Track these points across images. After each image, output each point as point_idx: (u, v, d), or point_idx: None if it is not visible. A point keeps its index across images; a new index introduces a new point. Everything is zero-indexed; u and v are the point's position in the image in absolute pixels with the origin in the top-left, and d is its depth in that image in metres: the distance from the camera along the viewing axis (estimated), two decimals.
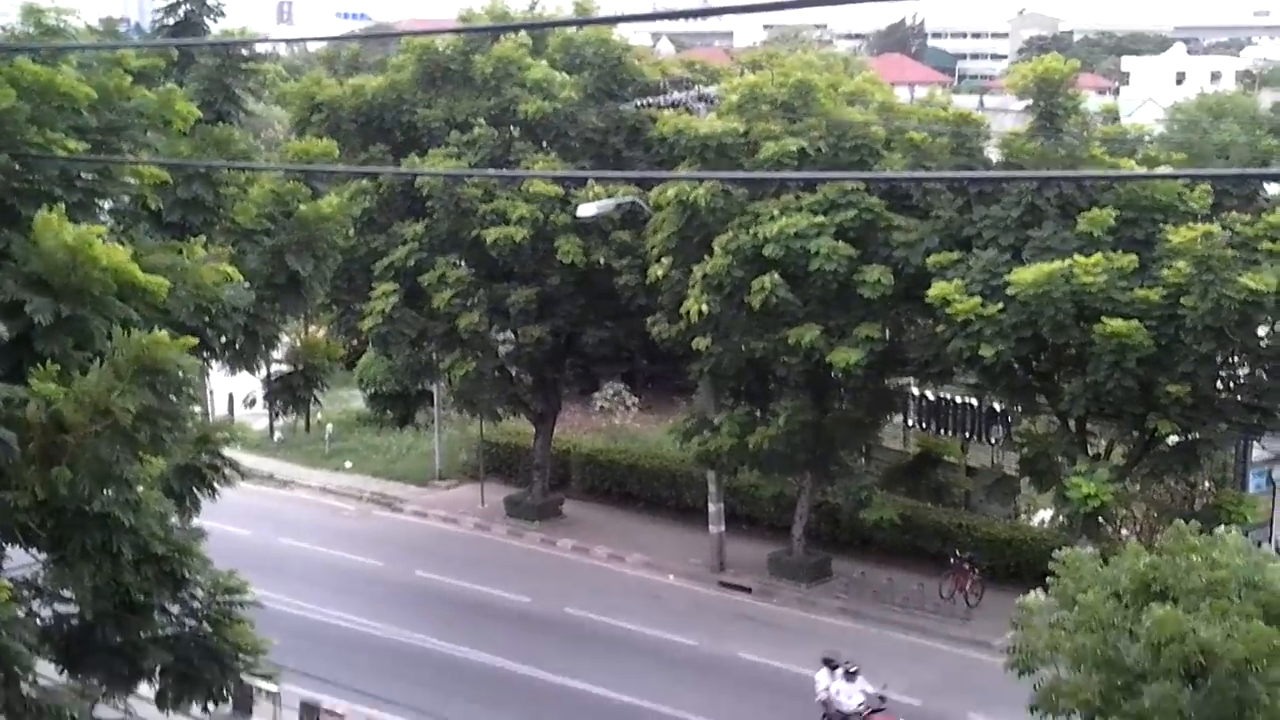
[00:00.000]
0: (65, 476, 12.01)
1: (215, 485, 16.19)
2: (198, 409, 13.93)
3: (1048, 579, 19.53)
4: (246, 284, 15.07)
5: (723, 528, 39.38)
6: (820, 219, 33.56)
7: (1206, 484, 35.90)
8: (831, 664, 29.65)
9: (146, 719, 17.99)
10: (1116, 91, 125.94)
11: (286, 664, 19.53)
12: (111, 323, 12.35)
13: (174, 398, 12.04)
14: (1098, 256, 30.30)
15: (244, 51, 19.61)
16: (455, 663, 33.85)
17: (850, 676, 29.49)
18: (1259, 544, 22.07)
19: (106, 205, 15.61)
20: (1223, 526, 20.66)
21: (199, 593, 16.25)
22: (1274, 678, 16.78)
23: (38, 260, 12.39)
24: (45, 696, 16.65)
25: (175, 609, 16.34)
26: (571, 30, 40.91)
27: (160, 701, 16.89)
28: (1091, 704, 18.14)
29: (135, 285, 12.45)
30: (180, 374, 11.94)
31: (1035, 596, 19.45)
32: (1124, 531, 35.27)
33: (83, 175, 14.83)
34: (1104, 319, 29.93)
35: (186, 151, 16.02)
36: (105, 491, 12.74)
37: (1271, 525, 34.93)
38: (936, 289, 31.68)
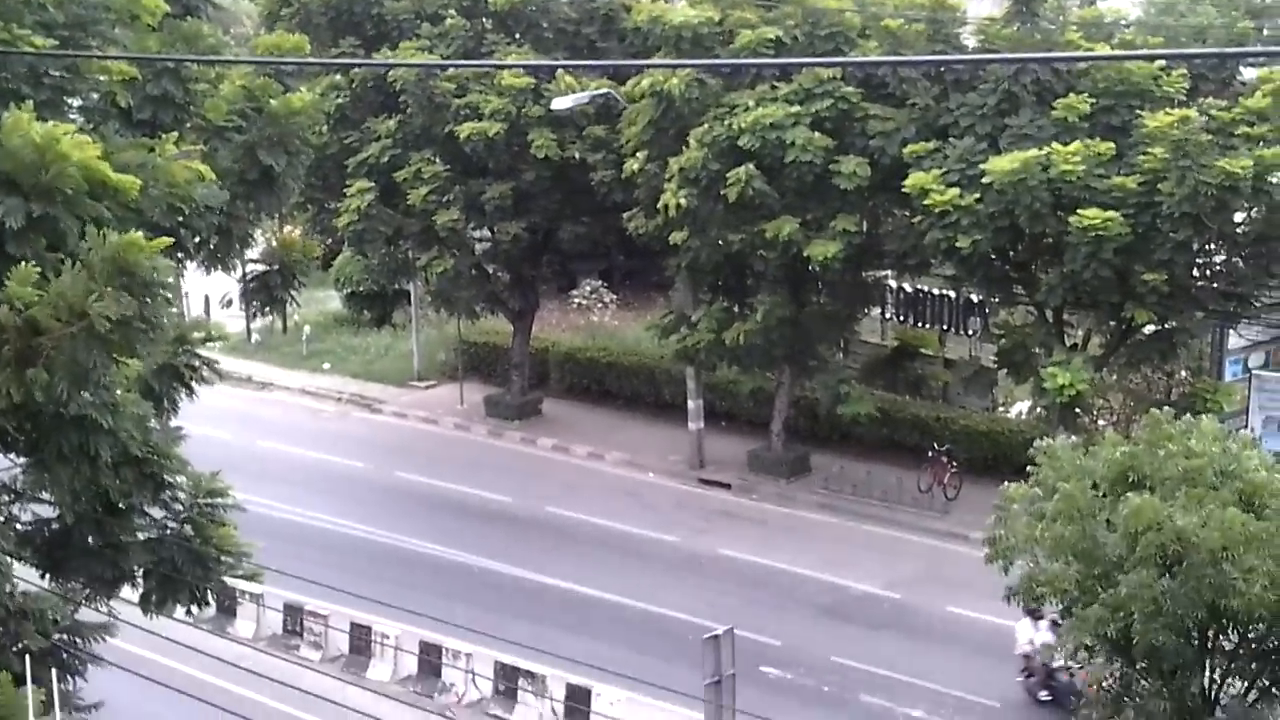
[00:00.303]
0: (42, 380, 11.91)
1: (193, 386, 16.09)
2: (174, 310, 13.80)
3: (1027, 469, 19.63)
4: (219, 182, 14.88)
5: (701, 424, 39.47)
6: (796, 109, 33.39)
7: (1183, 373, 36.03)
8: (1036, 614, 26.07)
9: (131, 621, 18.04)
10: None
11: (269, 566, 19.57)
12: (84, 222, 12.20)
13: (149, 300, 11.91)
14: (1076, 144, 30.19)
15: None
16: (437, 562, 34.02)
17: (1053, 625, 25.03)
18: (1235, 432, 22.17)
19: (75, 103, 15.38)
20: (1199, 415, 20.80)
21: (181, 495, 16.22)
22: (1249, 564, 16.93)
23: (6, 160, 12.20)
24: (28, 600, 16.70)
25: (157, 512, 16.32)
26: None
27: (144, 604, 16.92)
28: (1069, 593, 18.31)
29: (106, 184, 12.29)
30: (156, 276, 11.81)
31: (1017, 487, 19.55)
32: (1101, 422, 35.42)
33: (50, 72, 14.58)
34: (1080, 208, 29.88)
35: (155, 47, 15.74)
36: (82, 394, 12.65)
37: (1247, 413, 35.09)
38: (913, 179, 31.57)
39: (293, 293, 18.80)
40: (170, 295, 12.12)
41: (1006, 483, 20.65)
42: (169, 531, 16.25)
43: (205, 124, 16.51)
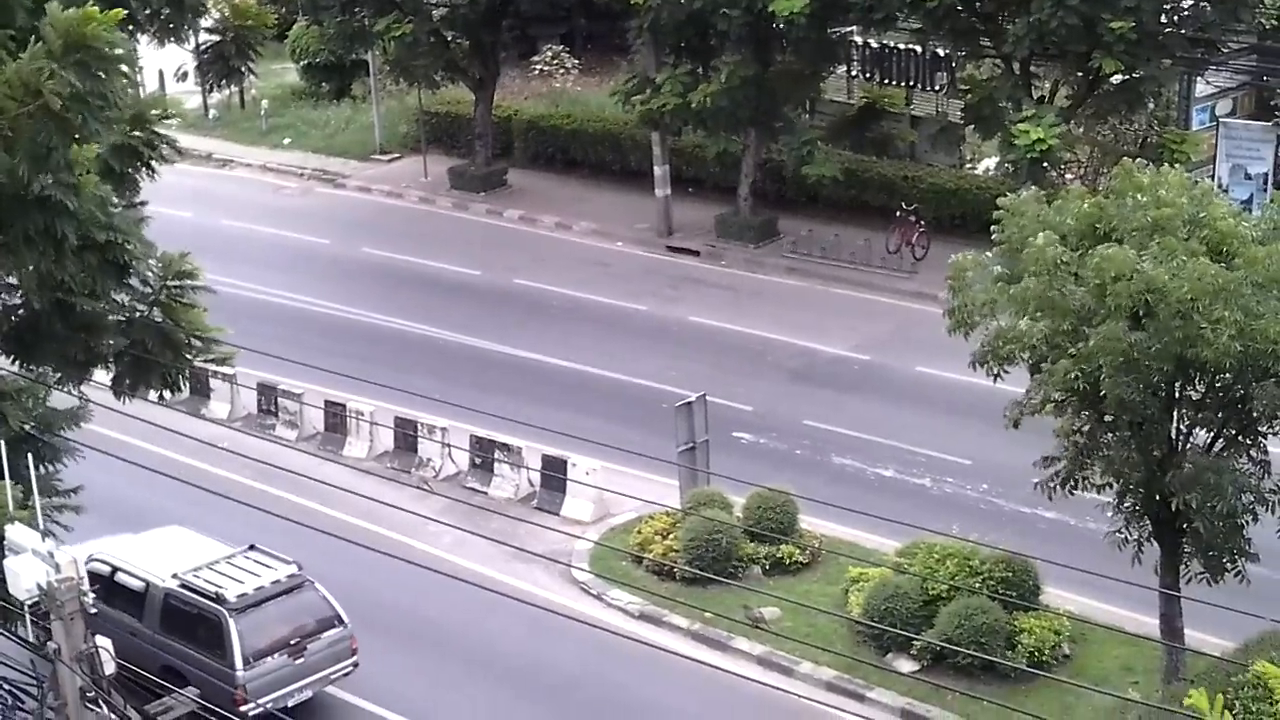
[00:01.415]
0: (3, 162, 11.68)
1: (153, 165, 15.80)
2: (131, 88, 13.42)
3: (992, 227, 19.52)
4: None
5: (668, 191, 39.21)
6: None
7: (1151, 123, 35.84)
8: None
9: (106, 405, 18.04)
10: None
11: (242, 345, 19.52)
12: None
13: (106, 75, 11.59)
14: None
15: None
16: (406, 337, 34.05)
17: None
18: (1201, 180, 22.08)
19: None
20: (1166, 165, 20.66)
21: (149, 277, 16.05)
22: (1217, 315, 16.95)
23: None
24: (4, 383, 16.65)
25: (124, 296, 16.16)
26: None
27: (115, 388, 16.88)
28: (1037, 349, 18.34)
29: None
30: (112, 50, 11.47)
31: (966, 256, 19.43)
32: (1068, 176, 35.36)
33: None
34: None
35: None
36: (43, 176, 12.41)
37: (1215, 162, 35.02)
38: None
39: (249, 64, 18.40)
40: (128, 70, 11.81)
41: (972, 245, 20.59)
42: (138, 315, 16.12)
43: None
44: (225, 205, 42.99)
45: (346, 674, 21.36)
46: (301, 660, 20.68)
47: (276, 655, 20.45)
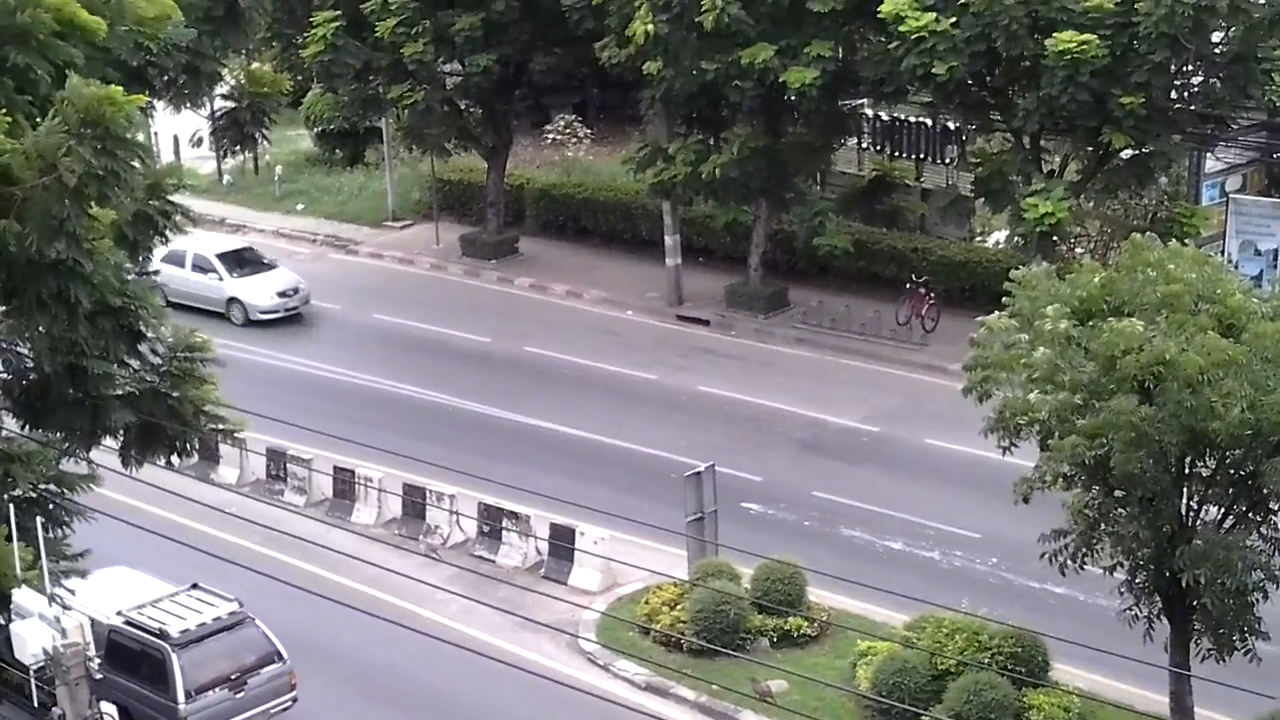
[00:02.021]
0: (14, 229, 11.74)
1: (167, 234, 15.88)
2: (145, 163, 13.47)
3: (1004, 299, 19.55)
4: (183, 18, 14.56)
5: (679, 260, 39.33)
6: None
7: (1161, 199, 35.94)
8: None
9: (114, 468, 18.03)
10: None
11: (251, 411, 19.54)
12: (57, 68, 11.93)
13: (121, 153, 11.70)
14: None
15: None
16: (417, 404, 34.07)
17: None
18: (1212, 256, 22.15)
19: None
20: (1176, 240, 20.69)
21: (160, 349, 16.08)
22: (1227, 389, 16.94)
23: None
24: (13, 446, 16.65)
25: (135, 364, 16.19)
26: None
27: (124, 457, 16.87)
28: (1046, 422, 18.32)
29: (74, 23, 11.99)
30: (129, 132, 11.59)
31: (996, 317, 19.44)
32: (1078, 250, 35.43)
33: None
34: (1057, 31, 29.60)
35: None
36: (56, 244, 12.49)
37: (1225, 237, 35.09)
38: (889, 4, 31.23)
39: (264, 130, 18.55)
40: (143, 150, 11.92)
41: (985, 314, 20.62)
42: (147, 386, 16.14)
43: None
44: None
45: (285, 709, 21.81)
46: (242, 694, 21.32)
47: (218, 689, 21.11)
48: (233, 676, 21.18)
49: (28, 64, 11.88)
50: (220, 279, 39.52)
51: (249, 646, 21.64)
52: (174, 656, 20.82)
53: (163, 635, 21.07)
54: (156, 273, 16.09)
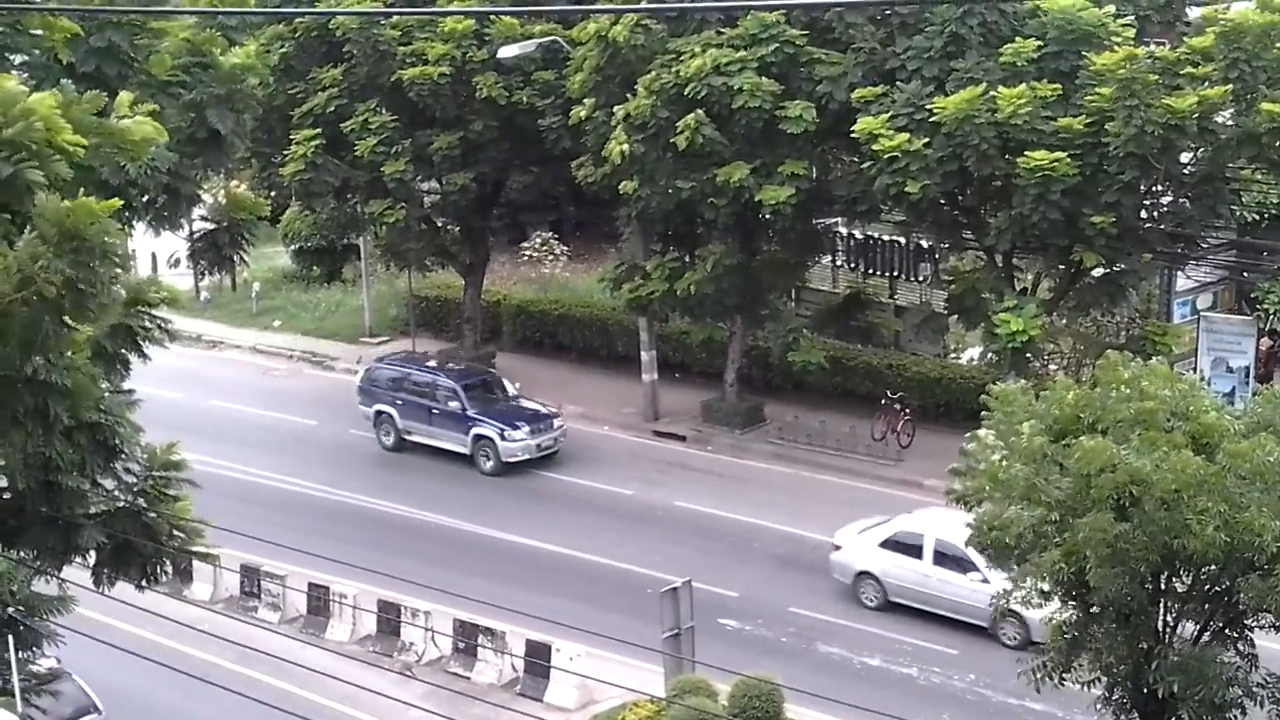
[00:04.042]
0: None
1: (145, 348, 15.85)
2: (122, 275, 13.49)
3: (981, 415, 19.65)
4: (166, 140, 14.65)
5: (655, 376, 39.45)
6: (742, 54, 33.32)
7: (1134, 316, 36.25)
8: None
9: (85, 585, 17.89)
10: None
11: (224, 527, 19.43)
12: (49, 181, 11.96)
13: (99, 266, 11.72)
14: (1021, 87, 30.25)
15: None
16: (392, 520, 33.95)
17: None
18: (1185, 374, 22.34)
19: (17, 59, 15.09)
20: (1149, 357, 20.86)
21: (134, 467, 15.98)
22: (1203, 506, 17.01)
23: None
24: None
25: (109, 483, 16.07)
26: None
27: (95, 577, 16.73)
28: (1023, 538, 18.37)
29: (53, 143, 12.05)
30: (106, 242, 11.62)
31: (985, 432, 19.51)
32: (1052, 366, 35.65)
33: None
34: (1028, 151, 29.96)
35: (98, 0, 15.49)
36: (35, 359, 12.47)
37: (1197, 355, 35.36)
38: (862, 124, 31.57)
39: (242, 253, 18.58)
40: (119, 261, 11.95)
41: (960, 432, 20.71)
42: (121, 505, 16.02)
43: (149, 79, 16.25)
44: (215, 386, 43.14)
45: None
46: None
47: None
48: None
49: (14, 176, 11.86)
50: None
51: (67, 700, 21.92)
52: None
53: None
54: (132, 391, 16.03)
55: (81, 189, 11.69)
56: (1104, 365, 19.33)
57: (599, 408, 40.33)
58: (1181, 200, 32.59)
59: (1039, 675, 19.04)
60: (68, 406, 13.33)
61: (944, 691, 26.14)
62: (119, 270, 12.06)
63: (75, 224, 11.24)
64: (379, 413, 38.69)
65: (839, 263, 41.75)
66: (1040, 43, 31.24)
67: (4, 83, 12.00)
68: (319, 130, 38.75)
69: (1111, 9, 31.30)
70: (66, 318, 11.83)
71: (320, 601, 28.86)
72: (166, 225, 16.83)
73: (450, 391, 37.49)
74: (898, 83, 32.27)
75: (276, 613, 29.14)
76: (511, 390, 38.60)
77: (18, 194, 11.87)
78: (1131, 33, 31.42)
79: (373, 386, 39.21)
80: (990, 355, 33.37)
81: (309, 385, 44.31)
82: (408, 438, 38.20)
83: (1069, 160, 29.87)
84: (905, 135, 31.03)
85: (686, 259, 37.39)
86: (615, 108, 34.77)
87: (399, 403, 38.33)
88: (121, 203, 12.07)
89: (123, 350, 15.29)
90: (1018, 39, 31.36)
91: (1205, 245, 34.48)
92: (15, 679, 13.23)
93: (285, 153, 39.07)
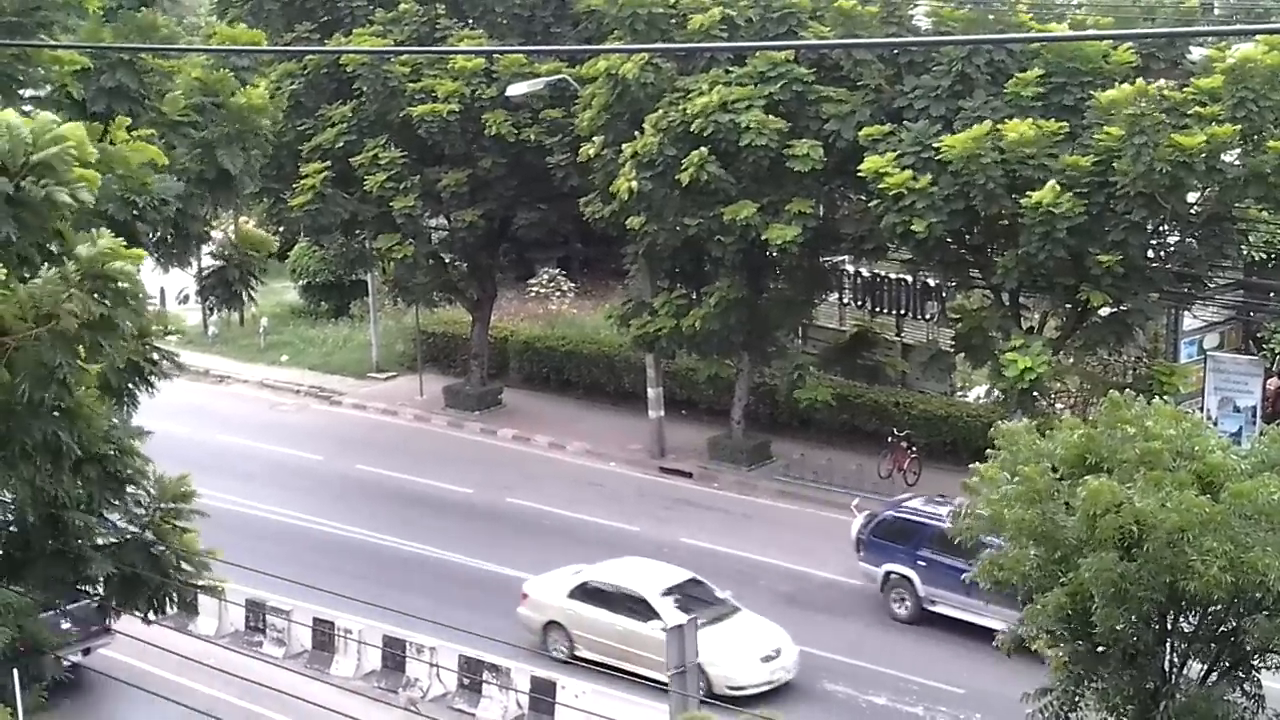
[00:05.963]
0: (3, 378, 11.80)
1: (154, 381, 15.92)
2: (142, 316, 13.54)
3: (988, 452, 19.67)
4: (176, 178, 14.76)
5: (662, 413, 39.48)
6: (750, 90, 33.46)
7: (1140, 355, 36.23)
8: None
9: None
10: None
11: (231, 561, 19.47)
12: (73, 201, 12.01)
13: (120, 306, 11.80)
14: (1027, 122, 30.32)
15: None
16: (397, 555, 33.93)
17: None
18: (1191, 414, 22.34)
19: (27, 94, 15.19)
20: (1155, 397, 20.87)
21: (143, 499, 16.04)
22: (1207, 546, 17.01)
23: None
24: None
25: (116, 516, 16.13)
26: None
27: (103, 609, 16.77)
28: (1029, 576, 18.39)
29: (84, 173, 12.10)
30: (130, 284, 11.71)
31: (988, 466, 19.52)
32: (1058, 405, 35.62)
33: None
34: (1034, 189, 30.01)
35: (109, 37, 15.59)
36: (47, 392, 12.54)
37: (1203, 395, 35.33)
38: (869, 163, 31.66)
39: (250, 290, 18.67)
40: (139, 303, 12.02)
41: (966, 469, 20.71)
42: (130, 536, 16.07)
43: (161, 118, 16.38)
44: (222, 420, 43.21)
45: None
46: None
47: None
48: None
49: (44, 200, 11.82)
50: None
51: None
52: None
53: None
54: (140, 428, 16.10)
55: (92, 227, 11.77)
56: (1109, 405, 19.35)
57: (605, 444, 40.34)
58: (1188, 240, 32.58)
59: (1046, 716, 18.99)
60: (77, 439, 13.40)
61: None
62: (139, 314, 12.13)
63: (104, 264, 11.33)
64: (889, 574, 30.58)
65: (846, 300, 41.82)
66: (1045, 77, 31.33)
67: (39, 116, 12.06)
68: (328, 164, 38.94)
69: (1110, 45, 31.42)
70: (81, 355, 11.90)
71: (325, 636, 28.82)
72: (175, 263, 16.94)
73: None
74: (905, 121, 32.39)
75: (281, 647, 29.10)
76: None
77: (42, 218, 11.87)
78: (1134, 63, 31.49)
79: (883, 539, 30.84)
80: (997, 393, 33.37)
81: (315, 420, 44.37)
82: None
83: (1075, 197, 29.90)
84: (909, 172, 31.10)
85: (693, 296, 37.46)
86: (623, 145, 34.92)
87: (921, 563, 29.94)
88: (145, 254, 12.16)
89: (131, 384, 15.39)
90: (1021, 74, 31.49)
91: (1212, 285, 34.51)
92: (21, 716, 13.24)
93: (294, 187, 39.25)
